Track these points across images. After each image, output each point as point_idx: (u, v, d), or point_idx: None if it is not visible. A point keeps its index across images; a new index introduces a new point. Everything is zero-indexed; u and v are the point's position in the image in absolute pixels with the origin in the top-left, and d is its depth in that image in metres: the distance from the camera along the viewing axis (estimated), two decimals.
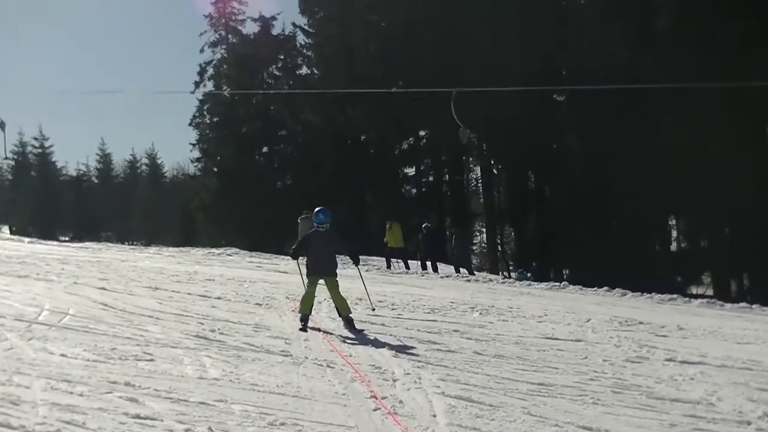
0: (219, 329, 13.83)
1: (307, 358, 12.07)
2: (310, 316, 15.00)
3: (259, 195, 57.67)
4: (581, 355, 13.67)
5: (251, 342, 12.97)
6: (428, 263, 33.78)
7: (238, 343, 12.75)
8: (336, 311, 15.63)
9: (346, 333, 14.50)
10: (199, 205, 66.57)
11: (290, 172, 63.20)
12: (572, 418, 9.67)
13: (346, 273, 18.79)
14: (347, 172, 56.10)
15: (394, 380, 11.02)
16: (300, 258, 15.77)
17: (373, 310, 16.63)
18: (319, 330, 14.59)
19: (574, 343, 14.81)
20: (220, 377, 10.29)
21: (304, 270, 15.53)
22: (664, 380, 12.03)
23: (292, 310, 16.75)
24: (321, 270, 15.17)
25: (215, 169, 66.01)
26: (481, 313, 18.07)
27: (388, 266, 33.86)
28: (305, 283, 15.38)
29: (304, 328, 14.51)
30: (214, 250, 39.97)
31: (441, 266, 34.07)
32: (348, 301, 15.52)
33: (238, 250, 38.62)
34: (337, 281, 15.19)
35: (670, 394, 11.13)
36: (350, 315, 15.11)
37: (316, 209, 15.29)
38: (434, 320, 16.57)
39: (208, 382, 9.95)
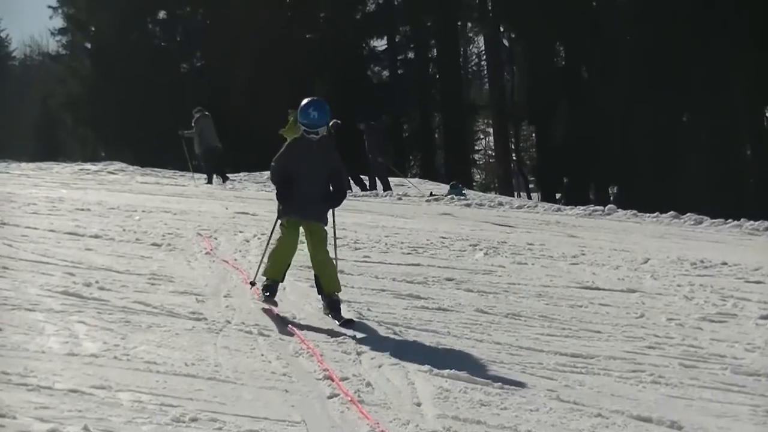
0: (97, 282, 13.76)
1: (229, 322, 12.07)
2: (280, 285, 13.06)
3: (154, 84, 57.31)
4: (635, 312, 13.77)
5: (146, 300, 12.93)
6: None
7: (126, 303, 12.70)
8: (315, 283, 13.09)
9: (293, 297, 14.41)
10: (65, 100, 66.12)
11: (201, 50, 62.86)
12: (622, 404, 9.76)
13: None
14: (286, 47, 55.72)
15: (359, 353, 11.05)
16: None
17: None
18: (274, 307, 12.84)
19: (624, 294, 14.93)
20: (99, 353, 10.25)
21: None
22: (759, 347, 12.15)
23: (207, 252, 16.76)
24: (305, 208, 12.75)
25: (88, 46, 65.55)
26: (486, 253, 18.17)
27: None
28: (276, 227, 13.61)
29: (270, 301, 12.77)
30: (88, 165, 39.91)
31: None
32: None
33: (124, 165, 38.64)
34: (325, 231, 13.03)
35: (767, 368, 11.23)
36: (338, 294, 12.79)
37: (306, 101, 12.80)
38: (417, 264, 16.64)
39: (82, 361, 9.92)
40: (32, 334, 10.76)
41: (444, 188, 36.65)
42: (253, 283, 13.42)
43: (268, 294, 12.69)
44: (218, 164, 36.02)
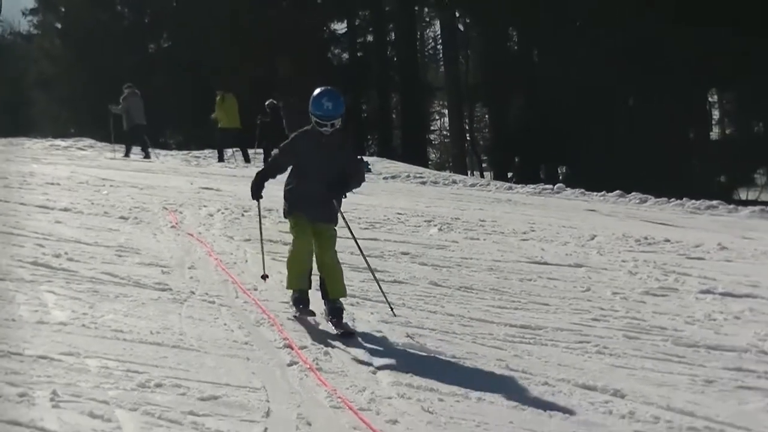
0: (66, 254, 13.75)
1: (193, 293, 12.09)
2: (308, 295, 11.31)
3: (122, 64, 57.09)
4: (582, 286, 13.84)
5: (113, 271, 12.94)
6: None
7: (94, 273, 12.71)
8: (320, 286, 11.33)
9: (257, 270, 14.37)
10: (37, 78, 65.90)
11: (168, 31, 62.73)
12: (568, 373, 9.81)
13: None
14: (250, 29, 55.60)
15: (317, 323, 11.09)
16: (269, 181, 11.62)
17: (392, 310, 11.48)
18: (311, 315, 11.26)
19: (572, 269, 14.99)
20: (68, 321, 10.25)
21: (278, 207, 11.90)
22: (698, 320, 12.23)
23: (172, 226, 16.74)
24: (313, 206, 11.02)
25: (59, 26, 65.40)
26: (441, 229, 18.21)
27: (221, 158, 34.14)
28: (262, 232, 12.53)
29: (305, 312, 11.18)
30: (59, 141, 39.81)
31: None
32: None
33: (93, 141, 38.52)
34: (334, 231, 11.35)
35: (705, 340, 11.32)
36: (341, 300, 11.15)
37: (318, 90, 11.03)
38: (374, 239, 16.66)
39: (51, 329, 9.91)
40: (2, 303, 10.76)
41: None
42: (265, 276, 11.94)
43: (301, 307, 11.08)
44: (143, 140, 35.75)
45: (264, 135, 35.19)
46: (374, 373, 9.33)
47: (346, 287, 11.16)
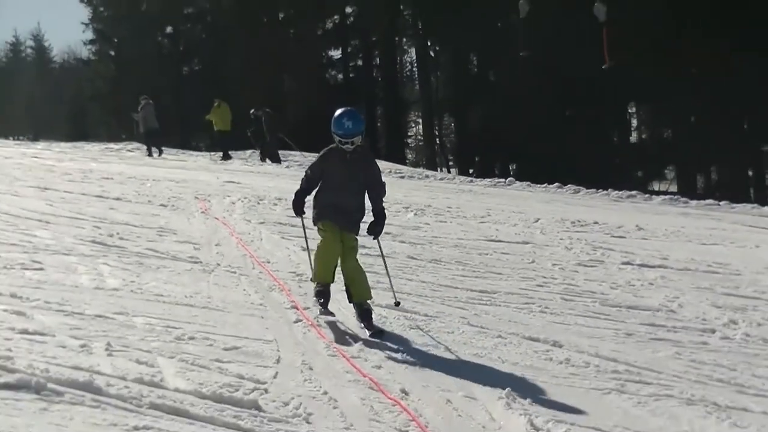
0: (118, 234, 13.74)
1: (218, 265, 12.08)
2: (330, 289, 9.91)
3: (162, 83, 57.06)
4: (528, 259, 13.82)
5: (155, 248, 12.91)
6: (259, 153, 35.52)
7: (140, 249, 12.69)
8: (345, 291, 9.95)
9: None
10: (94, 94, 65.99)
11: (198, 57, 62.71)
12: (517, 328, 9.82)
13: (267, 170, 18.62)
14: (264, 55, 55.45)
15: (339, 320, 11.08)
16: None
17: (397, 304, 10.21)
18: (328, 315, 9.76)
19: (520, 245, 14.97)
20: (119, 287, 10.24)
21: (307, 221, 10.44)
22: (620, 286, 12.24)
23: (202, 212, 16.71)
24: (340, 215, 9.82)
25: (112, 53, 65.57)
26: (416, 214, 18.17)
27: (226, 157, 34.14)
28: (308, 242, 10.76)
29: (325, 311, 9.71)
30: (111, 145, 39.65)
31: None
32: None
33: (139, 144, 38.32)
34: (356, 241, 10.03)
35: (626, 301, 11.34)
36: (369, 302, 9.80)
37: (339, 112, 9.77)
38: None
39: (106, 293, 9.90)
40: (67, 273, 10.76)
41: None
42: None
43: (322, 301, 9.68)
44: (156, 141, 35.60)
45: (256, 138, 35.66)
46: (362, 328, 9.34)
47: (370, 290, 9.80)
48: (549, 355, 8.92)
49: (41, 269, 10.82)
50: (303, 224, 10.56)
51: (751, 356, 9.24)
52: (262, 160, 34.26)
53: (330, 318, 9.56)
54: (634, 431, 7.12)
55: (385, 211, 10.16)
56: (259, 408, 6.82)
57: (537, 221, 17.60)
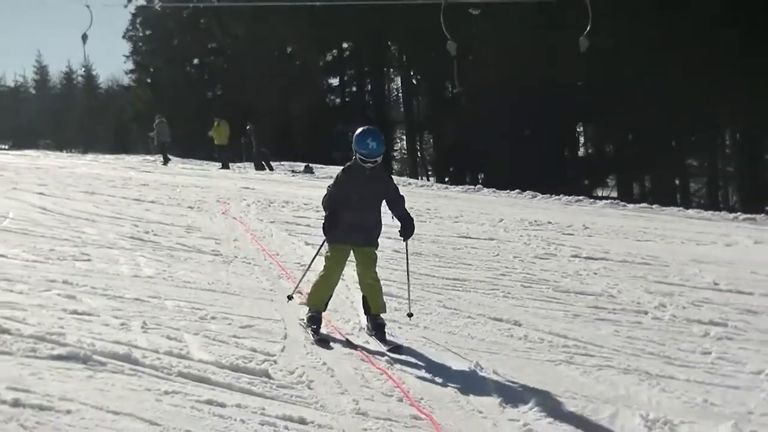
0: (153, 231, 13.72)
1: (236, 257, 12.06)
2: (323, 315, 8.78)
3: (190, 105, 57.15)
4: (493, 252, 13.81)
5: (183, 242, 12.91)
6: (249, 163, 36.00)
7: (171, 244, 12.68)
8: (362, 304, 8.96)
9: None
10: (133, 114, 66.39)
11: (220, 83, 62.92)
12: (484, 310, 9.83)
13: (275, 178, 18.58)
14: (274, 82, 55.47)
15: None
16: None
17: (410, 316, 9.05)
18: (342, 340, 8.48)
19: (486, 241, 14.95)
20: (153, 275, 10.24)
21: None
22: (570, 275, 12.24)
23: (223, 213, 16.69)
24: (356, 234, 8.65)
25: (148, 81, 65.84)
26: None
27: (224, 166, 34.16)
28: (319, 254, 9.25)
29: (317, 334, 8.44)
30: (148, 157, 39.58)
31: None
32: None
33: (171, 157, 38.27)
34: (375, 254, 8.90)
35: (574, 287, 11.34)
36: (382, 316, 8.72)
37: (360, 130, 8.67)
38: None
39: (142, 280, 9.90)
40: (110, 263, 10.75)
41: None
42: (290, 297, 9.28)
43: (315, 327, 8.50)
44: (163, 152, 35.80)
45: (247, 150, 36.47)
46: (355, 310, 9.34)
47: (385, 304, 8.77)
48: (510, 333, 8.95)
49: (88, 260, 10.82)
50: (321, 245, 9.08)
51: (677, 333, 9.27)
52: (256, 169, 34.38)
53: (324, 340, 8.30)
54: (581, 395, 7.15)
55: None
56: (269, 376, 6.85)
57: (501, 221, 17.58)
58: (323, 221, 8.66)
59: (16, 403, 5.34)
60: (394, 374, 7.34)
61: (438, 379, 7.34)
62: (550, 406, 6.86)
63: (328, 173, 33.43)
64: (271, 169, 34.14)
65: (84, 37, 44.82)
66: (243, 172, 31.77)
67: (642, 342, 8.86)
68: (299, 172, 33.66)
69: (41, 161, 30.88)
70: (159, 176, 25.07)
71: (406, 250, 9.39)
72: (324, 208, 8.73)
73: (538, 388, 7.22)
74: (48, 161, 31.30)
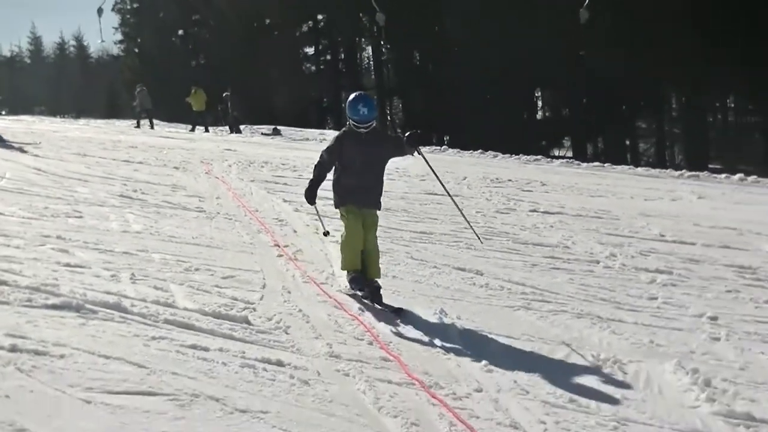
0: (141, 189, 13.61)
1: (218, 213, 11.99)
2: (360, 275, 8.20)
3: (176, 73, 56.77)
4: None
5: (169, 200, 12.82)
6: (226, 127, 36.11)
7: (157, 202, 12.59)
8: (361, 263, 8.28)
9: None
10: (122, 83, 66.25)
11: (203, 53, 62.76)
12: (449, 260, 9.85)
13: (255, 140, 18.45)
14: (254, 52, 55.19)
15: (295, 231, 11.06)
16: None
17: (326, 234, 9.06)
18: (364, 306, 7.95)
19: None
20: (141, 230, 10.17)
21: (322, 207, 9.04)
22: (528, 228, 12.28)
23: (206, 173, 16.58)
24: (359, 196, 8.30)
25: (136, 51, 65.75)
26: None
27: (192, 129, 34.11)
28: (324, 225, 9.03)
29: (364, 292, 8.13)
30: (135, 121, 39.28)
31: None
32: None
33: (158, 121, 38.03)
34: (377, 217, 8.55)
35: (532, 239, 11.39)
36: (378, 280, 8.23)
37: (353, 96, 8.38)
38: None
39: (131, 235, 9.83)
40: (101, 220, 10.66)
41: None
42: (326, 233, 8.93)
43: (360, 287, 8.12)
44: (150, 116, 35.85)
45: (224, 115, 36.68)
46: (329, 261, 9.32)
47: (380, 269, 8.33)
48: (473, 281, 8.97)
49: (81, 217, 10.72)
50: (317, 211, 8.93)
51: (626, 281, 9.33)
52: (230, 132, 34.29)
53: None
54: (537, 338, 7.20)
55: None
56: (248, 322, 6.84)
57: (465, 179, 17.58)
58: (306, 187, 8.46)
59: (13, 349, 5.32)
60: (365, 320, 7.36)
61: (406, 325, 7.37)
62: (509, 348, 6.92)
63: (303, 135, 33.39)
64: (239, 131, 34.20)
65: (99, 11, 46.04)
66: (221, 135, 31.65)
67: (594, 289, 8.91)
68: (268, 134, 33.72)
69: (36, 126, 30.55)
70: (146, 139, 24.86)
71: (423, 157, 9.25)
72: (313, 173, 8.47)
73: (498, 332, 7.27)
74: (42, 126, 30.95)
